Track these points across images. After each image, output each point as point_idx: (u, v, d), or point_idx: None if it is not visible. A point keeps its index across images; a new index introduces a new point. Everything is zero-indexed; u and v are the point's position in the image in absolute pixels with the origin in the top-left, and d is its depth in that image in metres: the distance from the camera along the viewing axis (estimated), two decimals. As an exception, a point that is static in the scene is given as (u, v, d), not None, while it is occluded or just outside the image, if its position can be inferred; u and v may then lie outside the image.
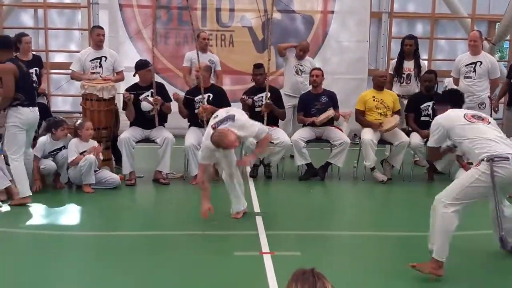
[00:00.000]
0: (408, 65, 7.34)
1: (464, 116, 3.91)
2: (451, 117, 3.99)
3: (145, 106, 6.39)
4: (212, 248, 4.37)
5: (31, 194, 5.40)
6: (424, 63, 7.74)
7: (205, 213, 4.72)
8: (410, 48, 7.29)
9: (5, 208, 5.27)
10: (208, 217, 4.70)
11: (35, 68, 6.88)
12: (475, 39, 7.06)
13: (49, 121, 6.04)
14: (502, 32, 9.36)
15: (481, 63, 6.99)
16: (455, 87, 7.21)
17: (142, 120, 6.42)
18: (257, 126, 4.81)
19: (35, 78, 6.74)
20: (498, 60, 9.45)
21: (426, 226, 3.81)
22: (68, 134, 6.13)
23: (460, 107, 4.33)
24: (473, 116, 3.94)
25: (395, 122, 6.52)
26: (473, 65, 7.01)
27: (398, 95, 7.09)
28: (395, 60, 7.56)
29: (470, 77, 7.03)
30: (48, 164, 5.90)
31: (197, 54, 6.70)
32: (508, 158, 3.56)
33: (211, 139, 4.56)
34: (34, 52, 7.37)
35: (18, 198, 5.36)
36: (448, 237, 3.60)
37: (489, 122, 3.90)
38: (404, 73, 7.34)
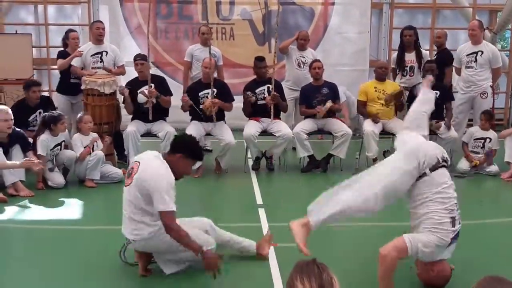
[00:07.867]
0: (410, 57, 7.26)
1: None
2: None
3: (140, 98, 6.49)
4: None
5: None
6: (426, 53, 7.68)
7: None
8: (409, 39, 7.22)
9: (6, 205, 5.23)
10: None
11: None
12: (474, 28, 7.02)
13: (45, 117, 5.86)
14: (503, 21, 9.36)
15: (482, 52, 6.95)
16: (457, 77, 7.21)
17: (142, 114, 6.50)
18: None
19: None
20: (500, 50, 9.43)
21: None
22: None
23: None
24: None
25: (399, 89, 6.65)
26: (474, 55, 6.98)
27: (406, 88, 7.06)
28: (396, 53, 7.50)
29: (472, 67, 6.99)
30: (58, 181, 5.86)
31: (209, 49, 6.56)
32: None
33: None
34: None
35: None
36: None
37: None
38: (407, 66, 7.26)
